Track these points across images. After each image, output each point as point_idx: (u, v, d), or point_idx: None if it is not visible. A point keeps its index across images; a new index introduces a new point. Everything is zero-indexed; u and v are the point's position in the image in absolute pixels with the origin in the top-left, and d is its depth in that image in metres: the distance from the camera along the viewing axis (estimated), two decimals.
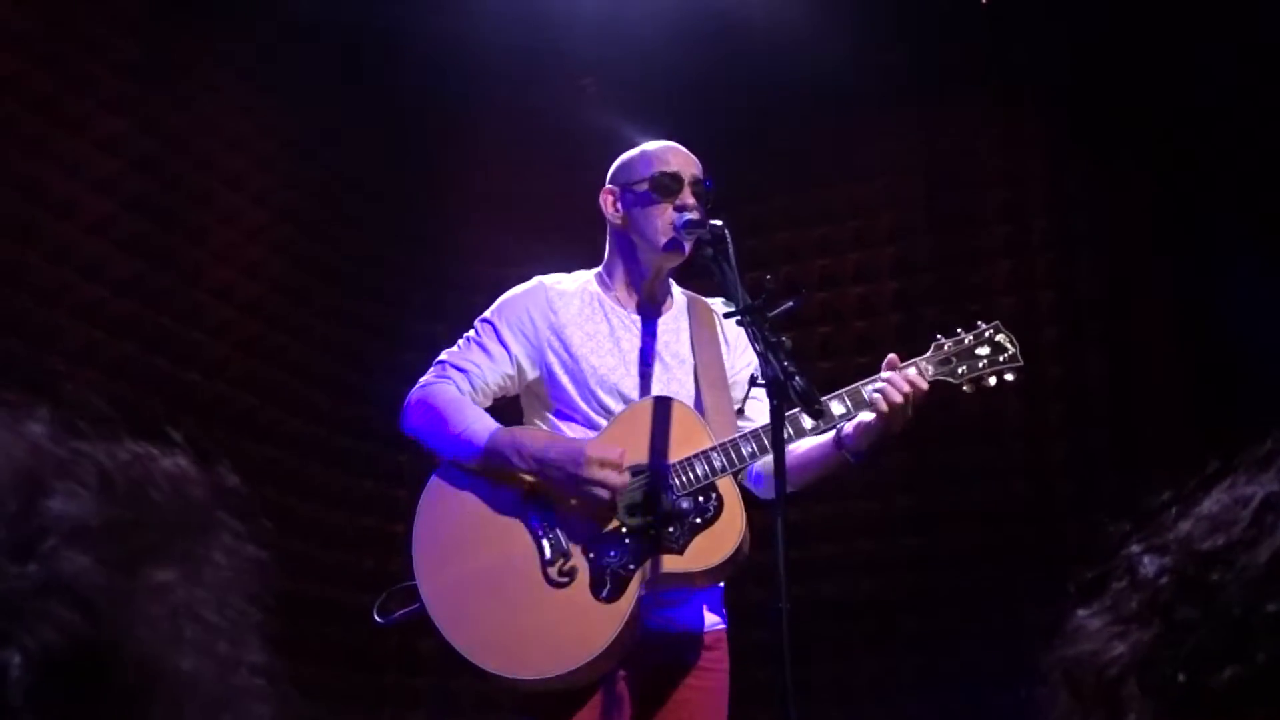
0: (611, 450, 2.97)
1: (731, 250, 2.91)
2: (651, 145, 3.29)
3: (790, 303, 2.88)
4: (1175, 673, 0.74)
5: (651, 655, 3.05)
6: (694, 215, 3.10)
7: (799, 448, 3.14)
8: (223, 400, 4.88)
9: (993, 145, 5.58)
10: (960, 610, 5.22)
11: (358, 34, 5.35)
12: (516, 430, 3.11)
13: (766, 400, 2.82)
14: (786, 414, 2.87)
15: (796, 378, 2.68)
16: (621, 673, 3.03)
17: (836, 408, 3.04)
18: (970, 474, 5.37)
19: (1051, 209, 5.46)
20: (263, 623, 0.73)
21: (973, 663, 4.98)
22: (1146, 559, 0.79)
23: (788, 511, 2.68)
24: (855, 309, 5.61)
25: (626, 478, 2.98)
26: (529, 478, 3.02)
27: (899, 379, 3.01)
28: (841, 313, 5.60)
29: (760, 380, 2.78)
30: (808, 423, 2.96)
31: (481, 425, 3.06)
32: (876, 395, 2.99)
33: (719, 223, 2.99)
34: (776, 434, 2.73)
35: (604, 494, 2.95)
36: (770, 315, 2.79)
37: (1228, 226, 4.92)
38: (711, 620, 3.15)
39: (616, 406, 3.13)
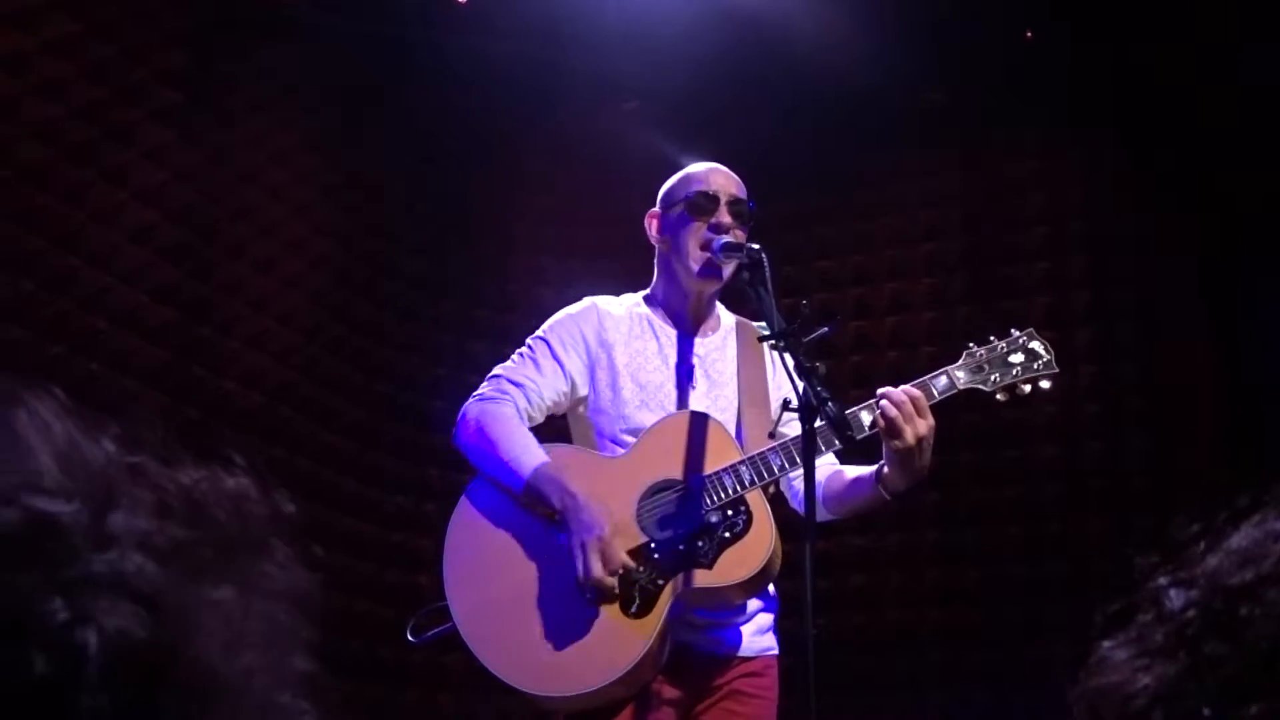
0: (623, 556, 2.94)
1: (769, 274, 2.90)
2: (695, 166, 3.29)
3: (825, 329, 2.86)
4: (1201, 707, 0.73)
5: (697, 678, 3.04)
6: (731, 238, 3.10)
7: (847, 472, 3.12)
8: (258, 410, 4.92)
9: (1033, 180, 5.57)
10: (988, 646, 5.18)
11: (401, 52, 5.40)
12: (566, 469, 3.06)
13: (799, 424, 2.80)
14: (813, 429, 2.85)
15: (829, 403, 2.67)
16: (666, 695, 3.01)
17: (865, 417, 3.00)
18: (1002, 510, 5.34)
19: (1090, 245, 5.43)
20: (309, 640, 0.75)
21: (1000, 698, 4.94)
22: (1174, 592, 0.79)
23: (817, 541, 2.68)
24: (889, 339, 5.60)
25: (613, 582, 2.93)
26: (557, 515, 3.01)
27: (895, 394, 2.95)
28: (875, 343, 5.59)
29: (793, 405, 2.77)
30: (866, 418, 2.95)
31: (530, 456, 3.04)
32: (876, 412, 2.94)
33: (756, 246, 2.97)
34: (808, 460, 2.72)
35: (580, 568, 2.91)
36: (804, 341, 2.78)
37: (1266, 265, 4.88)
38: (762, 645, 3.12)
39: None
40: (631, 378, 3.16)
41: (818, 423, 2.75)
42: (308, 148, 5.33)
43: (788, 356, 2.78)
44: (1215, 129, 5.03)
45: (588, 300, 3.29)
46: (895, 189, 5.78)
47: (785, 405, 2.88)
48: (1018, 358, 3.15)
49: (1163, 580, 0.79)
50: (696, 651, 3.04)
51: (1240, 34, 4.91)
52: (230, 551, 0.71)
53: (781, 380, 3.20)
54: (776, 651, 3.14)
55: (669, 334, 3.24)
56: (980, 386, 3.11)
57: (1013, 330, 3.20)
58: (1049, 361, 3.16)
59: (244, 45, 5.04)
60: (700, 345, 3.24)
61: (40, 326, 4.20)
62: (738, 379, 3.21)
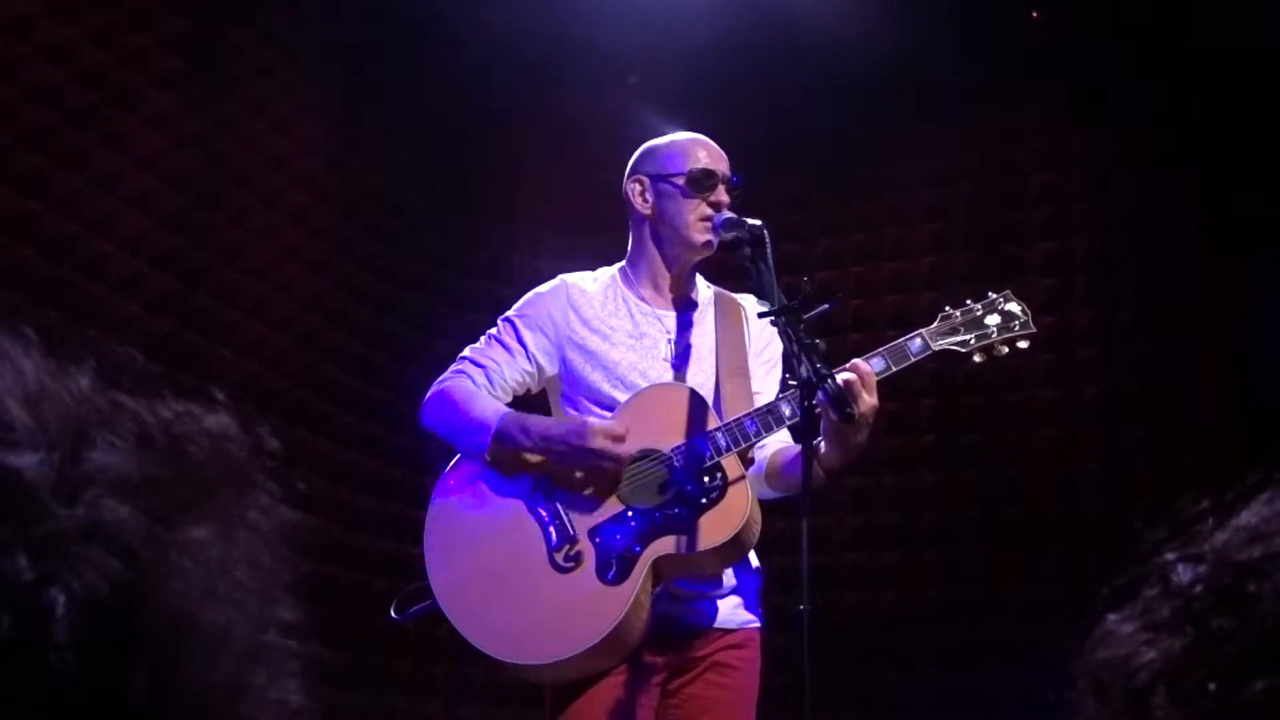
0: (616, 425, 3.00)
1: (769, 251, 2.90)
2: (681, 137, 3.29)
3: (826, 306, 2.86)
4: (1207, 682, 0.73)
5: (679, 649, 3.06)
6: (731, 214, 3.11)
7: (790, 452, 3.11)
8: (256, 379, 4.91)
9: (1036, 161, 5.56)
10: (985, 626, 5.19)
11: (404, 23, 5.37)
12: (526, 414, 3.13)
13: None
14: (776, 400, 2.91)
15: (829, 380, 2.67)
16: (648, 666, 3.02)
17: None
18: (1000, 491, 5.34)
19: (1092, 227, 5.42)
20: (294, 584, 0.74)
21: (993, 680, 4.95)
22: (1181, 567, 0.78)
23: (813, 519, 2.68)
24: (889, 318, 5.59)
25: (632, 449, 2.98)
26: (535, 458, 3.03)
27: (847, 367, 2.94)
28: (876, 321, 5.59)
29: (791, 380, 2.77)
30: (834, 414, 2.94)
31: (492, 411, 3.09)
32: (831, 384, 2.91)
33: (758, 223, 2.98)
34: (806, 438, 2.72)
35: (607, 464, 2.96)
36: (805, 317, 2.78)
37: (1271, 242, 4.87)
38: (744, 618, 3.13)
39: None
40: (605, 355, 3.17)
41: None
42: (309, 117, 5.32)
43: (789, 332, 2.78)
44: (1223, 110, 5.02)
45: (558, 279, 3.30)
46: (898, 168, 5.77)
47: (784, 381, 2.89)
48: (994, 319, 3.13)
49: (1170, 555, 0.79)
50: (679, 623, 3.05)
51: (1248, 26, 4.88)
52: (210, 490, 0.69)
53: (760, 351, 3.23)
54: (759, 624, 3.16)
55: (644, 309, 3.24)
56: (956, 348, 3.10)
57: (990, 293, 3.18)
58: (1025, 322, 3.14)
59: (246, 12, 5.02)
60: (676, 320, 3.24)
61: (38, 292, 4.18)
62: (716, 353, 3.21)
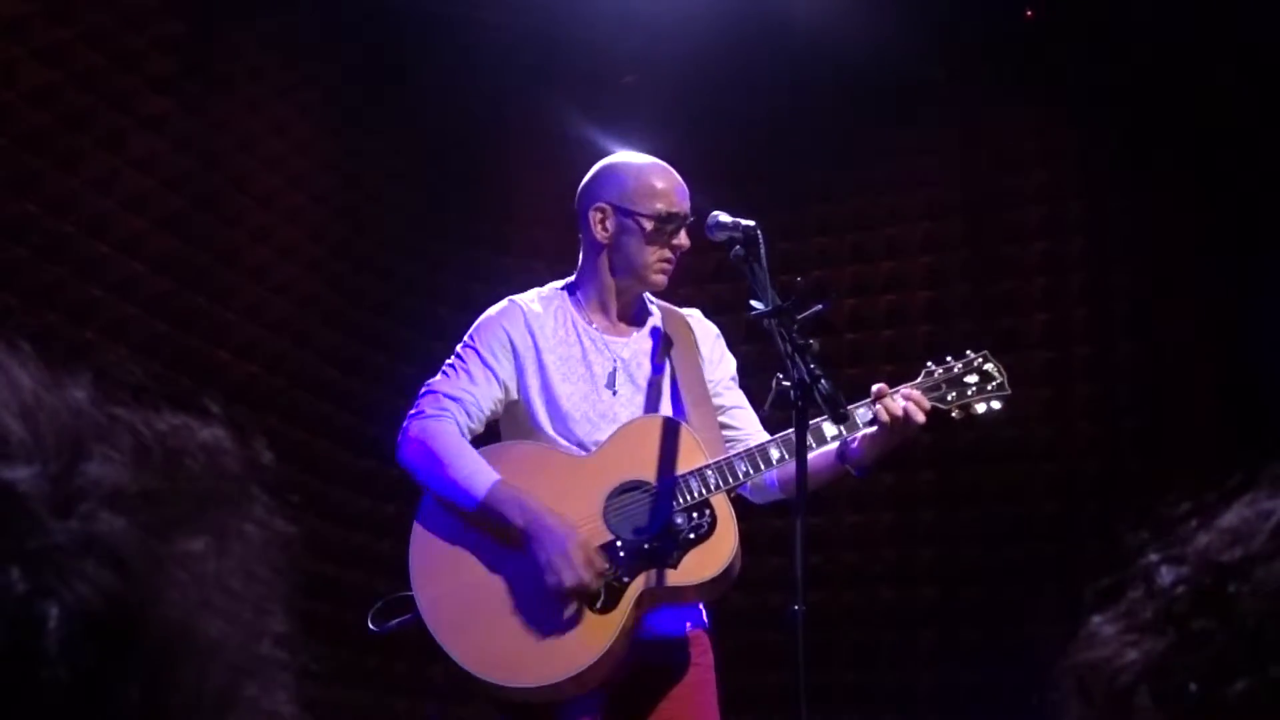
0: (599, 560, 2.98)
1: (763, 251, 2.91)
2: (647, 167, 3.25)
3: (819, 306, 2.88)
4: (1188, 683, 0.73)
5: (634, 660, 3.06)
6: (724, 213, 3.11)
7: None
8: (253, 381, 4.92)
9: (1032, 160, 5.56)
10: (981, 625, 5.20)
11: (400, 22, 5.38)
12: (531, 469, 3.10)
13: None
14: (810, 423, 2.90)
15: (822, 381, 2.68)
16: (605, 680, 3.03)
17: (829, 429, 3.04)
18: (996, 490, 5.35)
19: (1089, 225, 5.43)
20: (288, 596, 0.74)
21: (991, 678, 4.96)
22: (1163, 569, 0.79)
23: (811, 517, 2.69)
24: (884, 317, 5.60)
25: (597, 584, 2.97)
26: (515, 531, 3.01)
27: (902, 394, 3.04)
28: (871, 321, 5.59)
29: (784, 382, 2.78)
30: (830, 430, 2.98)
31: (483, 476, 3.04)
32: (879, 408, 3.01)
33: (751, 223, 2.98)
34: (800, 436, 2.73)
35: (563, 578, 2.94)
36: (799, 318, 2.79)
37: (1265, 245, 4.88)
38: (691, 619, 3.17)
39: (588, 430, 3.13)
40: (557, 384, 3.16)
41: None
42: (306, 117, 5.32)
43: (782, 333, 2.79)
44: (1214, 108, 5.02)
45: (507, 300, 3.27)
46: (894, 166, 5.77)
47: (777, 382, 2.90)
48: (972, 378, 3.22)
49: (1153, 557, 0.80)
50: (634, 638, 3.06)
51: (1249, 26, 4.89)
52: (205, 503, 0.70)
53: (715, 369, 3.28)
54: (706, 626, 3.19)
55: (593, 334, 3.23)
56: (937, 404, 3.17)
57: (968, 352, 3.27)
58: (1001, 384, 3.24)
59: (243, 13, 5.02)
60: (625, 346, 3.24)
61: (34, 294, 4.19)
62: (672, 380, 3.22)
